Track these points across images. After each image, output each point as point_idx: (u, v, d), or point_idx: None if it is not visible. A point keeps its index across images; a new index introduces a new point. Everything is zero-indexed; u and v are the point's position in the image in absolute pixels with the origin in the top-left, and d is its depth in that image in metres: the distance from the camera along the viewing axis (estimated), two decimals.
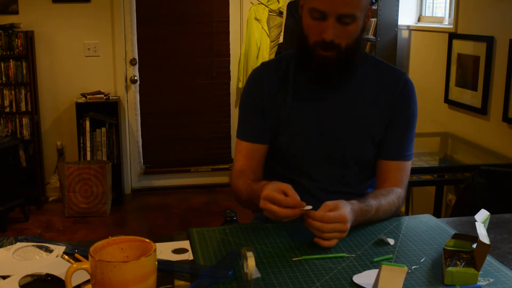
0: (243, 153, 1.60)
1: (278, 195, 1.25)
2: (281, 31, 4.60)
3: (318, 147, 1.55)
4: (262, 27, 4.72)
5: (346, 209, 1.28)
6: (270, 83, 1.58)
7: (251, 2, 4.73)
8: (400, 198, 1.52)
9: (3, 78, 4.23)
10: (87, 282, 1.09)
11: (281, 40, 4.57)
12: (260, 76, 1.61)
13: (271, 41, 4.75)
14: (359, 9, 1.40)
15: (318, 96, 1.55)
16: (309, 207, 1.26)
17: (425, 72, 3.83)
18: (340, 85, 1.53)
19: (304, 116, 1.55)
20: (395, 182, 1.55)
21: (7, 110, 4.29)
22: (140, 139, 4.81)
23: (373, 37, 4.06)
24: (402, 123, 1.56)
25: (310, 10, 1.42)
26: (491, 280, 1.13)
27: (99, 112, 4.44)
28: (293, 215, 1.25)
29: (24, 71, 4.24)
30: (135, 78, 4.69)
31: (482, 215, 1.24)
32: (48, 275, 1.14)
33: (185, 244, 1.32)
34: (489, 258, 1.22)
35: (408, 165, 1.57)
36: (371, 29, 4.13)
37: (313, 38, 1.44)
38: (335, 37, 1.41)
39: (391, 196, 1.48)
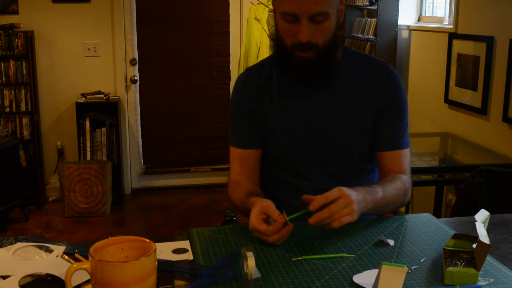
0: (237, 160, 1.62)
1: (261, 227, 1.27)
2: None
3: (309, 146, 1.55)
4: (262, 27, 4.72)
5: (336, 189, 1.27)
6: (255, 88, 1.59)
7: (251, 2, 4.74)
8: (407, 183, 1.52)
9: (3, 78, 4.24)
10: (87, 282, 1.09)
11: None
12: (245, 82, 1.62)
13: (270, 38, 4.75)
14: (330, 5, 1.41)
15: (304, 95, 1.55)
16: (283, 216, 1.27)
17: (425, 72, 3.83)
18: (324, 83, 1.53)
19: (292, 117, 1.55)
20: (398, 170, 1.55)
21: (7, 110, 4.29)
22: (140, 139, 4.81)
23: (373, 37, 4.06)
24: (394, 113, 1.56)
25: (282, 14, 1.43)
26: (491, 280, 1.13)
27: (99, 112, 4.44)
28: (280, 237, 1.27)
29: (24, 71, 4.24)
30: (135, 78, 4.69)
31: (482, 215, 1.24)
32: (48, 275, 1.14)
33: (185, 244, 1.32)
34: (489, 258, 1.22)
35: (407, 152, 1.58)
36: (371, 29, 4.14)
37: (289, 41, 1.45)
38: (311, 37, 1.41)
39: (397, 181, 1.48)
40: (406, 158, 1.58)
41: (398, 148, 1.56)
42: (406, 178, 1.53)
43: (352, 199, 1.26)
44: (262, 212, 1.30)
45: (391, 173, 1.55)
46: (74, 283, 1.07)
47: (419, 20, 4.14)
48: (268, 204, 1.32)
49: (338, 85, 1.55)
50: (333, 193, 1.26)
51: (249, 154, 1.60)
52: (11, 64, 4.22)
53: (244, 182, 1.56)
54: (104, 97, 4.41)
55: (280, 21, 1.45)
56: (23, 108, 4.30)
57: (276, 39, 1.51)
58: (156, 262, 1.00)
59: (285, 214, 1.28)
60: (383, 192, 1.41)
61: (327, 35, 1.44)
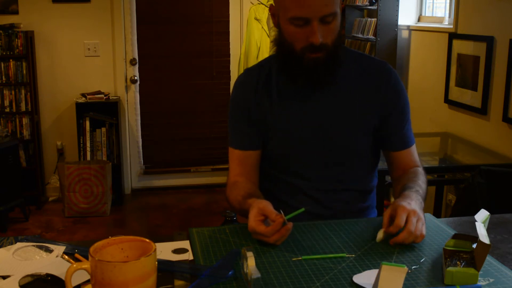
0: (237, 161, 1.61)
1: (260, 228, 1.27)
2: None
3: (308, 146, 1.55)
4: (262, 27, 4.72)
5: (400, 209, 1.29)
6: (254, 89, 1.58)
7: (251, 2, 4.74)
8: (425, 175, 1.58)
9: (3, 78, 4.24)
10: (87, 282, 1.09)
11: None
12: (244, 83, 1.62)
13: (271, 41, 4.75)
14: (336, 5, 1.42)
15: (304, 96, 1.55)
16: (281, 216, 1.27)
17: (425, 72, 3.83)
18: (331, 83, 1.53)
19: (292, 117, 1.55)
20: (414, 164, 1.61)
21: (7, 110, 4.29)
22: (140, 139, 4.81)
23: (373, 37, 4.06)
24: (399, 113, 1.58)
25: (290, 20, 1.42)
26: (491, 280, 1.13)
27: (99, 112, 4.44)
28: (280, 237, 1.27)
29: (24, 71, 4.24)
30: (135, 78, 4.69)
31: (482, 215, 1.24)
32: (48, 275, 1.14)
33: (185, 244, 1.32)
34: (489, 258, 1.22)
35: (415, 146, 1.64)
36: (371, 29, 4.14)
37: (300, 44, 1.44)
38: (322, 38, 1.42)
39: (421, 176, 1.54)
40: (415, 151, 1.64)
41: (409, 147, 1.61)
42: (422, 171, 1.59)
43: (417, 211, 1.29)
44: (260, 213, 1.30)
45: (407, 168, 1.60)
46: (74, 283, 1.07)
47: (419, 20, 4.14)
48: (265, 205, 1.32)
49: (338, 85, 1.55)
50: (402, 216, 1.27)
51: (248, 155, 1.60)
52: (11, 64, 4.22)
53: (242, 183, 1.56)
54: (104, 97, 4.41)
55: (288, 26, 1.44)
56: (23, 108, 4.30)
57: (282, 44, 1.50)
58: (156, 262, 1.00)
59: (282, 213, 1.28)
60: (422, 193, 1.45)
61: (335, 34, 1.46)
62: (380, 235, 1.31)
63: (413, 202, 1.34)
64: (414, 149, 1.63)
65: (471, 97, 3.27)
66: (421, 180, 1.51)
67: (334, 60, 1.48)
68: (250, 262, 1.09)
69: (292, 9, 1.40)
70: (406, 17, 4.11)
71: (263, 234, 1.27)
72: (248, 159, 1.60)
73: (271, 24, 4.76)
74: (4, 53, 4.19)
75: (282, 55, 1.51)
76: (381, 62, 1.60)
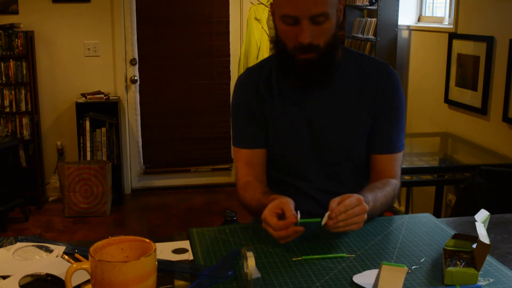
0: (244, 161, 1.60)
1: (272, 219, 1.26)
2: None
3: (308, 147, 1.55)
4: (262, 27, 4.72)
5: (356, 197, 1.28)
6: (255, 88, 1.58)
7: (251, 2, 4.74)
8: (396, 189, 1.53)
9: (3, 78, 4.24)
10: (87, 282, 1.09)
11: None
12: (245, 82, 1.62)
13: (270, 40, 4.74)
14: (329, 5, 1.40)
15: (304, 96, 1.55)
16: (298, 216, 1.26)
17: (425, 72, 3.83)
18: (326, 84, 1.53)
19: (292, 117, 1.55)
20: (389, 174, 1.55)
21: (7, 110, 4.29)
22: (140, 139, 4.81)
23: (373, 37, 4.06)
24: (389, 115, 1.55)
25: (282, 17, 1.42)
26: (491, 280, 1.13)
27: (99, 112, 4.44)
28: (286, 236, 1.25)
29: (24, 71, 4.24)
30: (135, 78, 4.69)
31: (482, 215, 1.24)
32: (48, 275, 1.14)
33: (185, 244, 1.32)
34: (489, 258, 1.22)
35: (400, 156, 1.58)
36: (371, 29, 4.14)
37: (290, 43, 1.44)
38: (312, 39, 1.41)
39: (387, 188, 1.49)
40: (398, 162, 1.57)
41: (391, 152, 1.56)
42: (396, 184, 1.53)
43: (367, 210, 1.27)
44: (279, 206, 1.29)
45: (382, 176, 1.55)
46: (74, 283, 1.07)
47: (419, 20, 4.14)
48: (287, 201, 1.30)
49: (338, 85, 1.54)
50: (353, 201, 1.26)
51: (255, 154, 1.59)
52: (11, 64, 4.22)
53: (256, 183, 1.55)
54: (104, 97, 4.41)
55: (280, 24, 1.44)
56: (23, 108, 4.30)
57: (277, 42, 1.50)
58: (156, 262, 1.00)
59: (299, 215, 1.26)
60: (374, 202, 1.40)
61: (328, 36, 1.44)
62: (325, 218, 1.28)
63: (362, 194, 1.31)
64: (397, 158, 1.56)
65: (471, 97, 3.27)
66: (384, 193, 1.46)
67: (328, 61, 1.47)
68: (250, 262, 1.09)
69: (284, 7, 1.40)
70: (406, 17, 4.11)
71: (271, 225, 1.26)
72: (254, 158, 1.59)
73: (271, 24, 4.76)
74: (4, 53, 4.19)
75: (278, 53, 1.52)
76: (383, 64, 1.59)
